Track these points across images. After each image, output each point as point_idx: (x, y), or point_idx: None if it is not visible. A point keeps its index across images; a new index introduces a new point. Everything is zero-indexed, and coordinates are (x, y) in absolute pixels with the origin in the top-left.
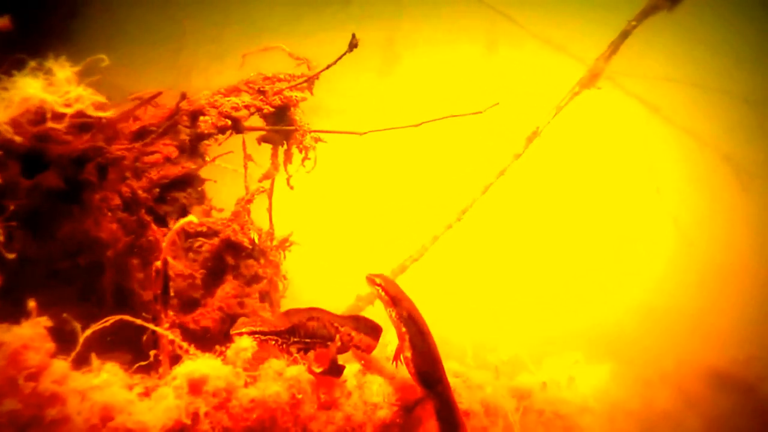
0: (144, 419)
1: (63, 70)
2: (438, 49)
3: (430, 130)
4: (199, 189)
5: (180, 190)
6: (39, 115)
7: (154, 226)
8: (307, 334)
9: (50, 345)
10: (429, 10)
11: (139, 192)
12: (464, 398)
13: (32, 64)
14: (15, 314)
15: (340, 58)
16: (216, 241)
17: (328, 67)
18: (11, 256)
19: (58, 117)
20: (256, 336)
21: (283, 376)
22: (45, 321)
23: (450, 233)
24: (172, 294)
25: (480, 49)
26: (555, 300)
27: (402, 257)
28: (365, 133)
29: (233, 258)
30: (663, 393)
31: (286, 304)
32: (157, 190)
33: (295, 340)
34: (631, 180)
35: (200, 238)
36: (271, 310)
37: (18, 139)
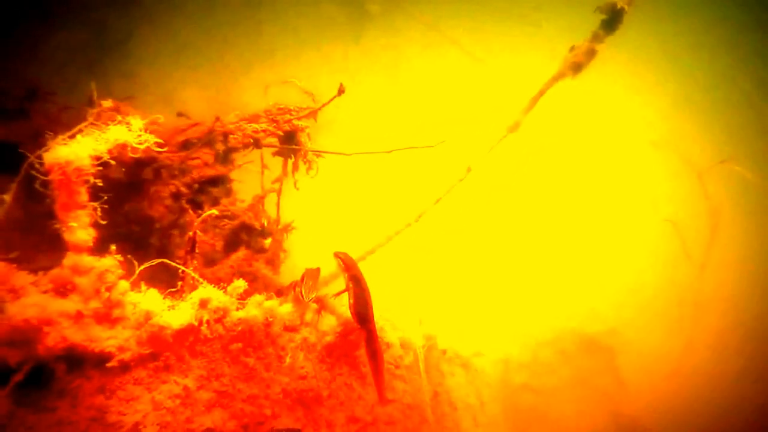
0: (170, 321)
1: (136, 121)
2: (433, 74)
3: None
4: (228, 186)
5: (214, 186)
6: (123, 149)
7: (190, 211)
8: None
9: (121, 271)
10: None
11: (182, 188)
12: (388, 334)
13: (119, 117)
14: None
15: (331, 100)
16: (236, 222)
17: (323, 105)
18: (102, 222)
19: (134, 150)
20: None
21: (262, 306)
22: (118, 257)
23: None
24: (196, 251)
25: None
26: (478, 276)
27: (373, 242)
28: (351, 154)
29: (247, 235)
30: (548, 351)
31: (284, 269)
32: (197, 185)
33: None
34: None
35: (225, 219)
36: (272, 270)
37: (112, 162)
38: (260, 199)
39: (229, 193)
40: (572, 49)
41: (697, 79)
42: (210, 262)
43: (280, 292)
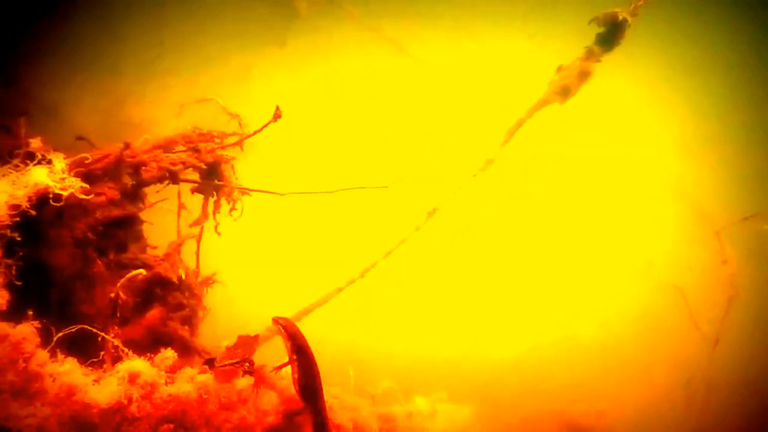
0: (96, 397)
1: (59, 162)
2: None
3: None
4: (137, 228)
5: (120, 228)
6: (44, 195)
7: (99, 262)
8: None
9: (38, 339)
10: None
11: (89, 234)
12: (338, 415)
13: (39, 156)
14: None
15: (265, 126)
16: (149, 274)
17: (254, 133)
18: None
19: (57, 198)
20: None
21: (195, 380)
22: (36, 324)
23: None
24: (118, 315)
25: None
26: (438, 339)
27: (310, 300)
28: (285, 194)
29: (161, 290)
30: None
31: (203, 328)
32: (101, 228)
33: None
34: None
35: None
36: (190, 331)
37: (32, 212)
38: (177, 247)
39: (138, 237)
40: (560, 69)
41: (715, 114)
42: (121, 320)
43: (210, 362)
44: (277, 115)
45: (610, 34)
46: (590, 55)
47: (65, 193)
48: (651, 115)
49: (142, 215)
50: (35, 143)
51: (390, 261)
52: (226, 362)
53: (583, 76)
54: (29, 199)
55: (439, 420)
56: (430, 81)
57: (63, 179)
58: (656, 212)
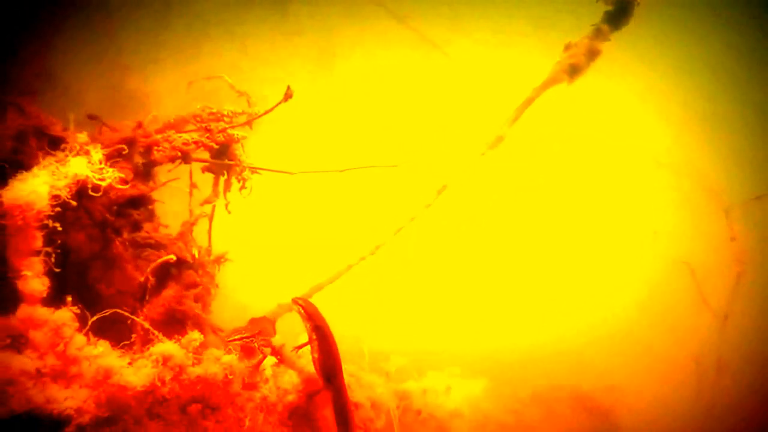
0: (131, 379)
1: (97, 153)
2: (367, 58)
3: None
4: (150, 207)
5: (133, 207)
6: (83, 185)
7: (117, 242)
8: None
9: (76, 324)
10: (360, 22)
11: (106, 214)
12: (356, 393)
13: (77, 146)
14: None
15: (275, 106)
16: (163, 253)
17: (265, 113)
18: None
19: (96, 188)
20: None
21: (220, 361)
22: (74, 309)
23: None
24: (147, 298)
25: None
26: (450, 318)
27: (321, 278)
28: (296, 173)
29: (176, 268)
30: (533, 411)
31: (215, 305)
32: (115, 207)
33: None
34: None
35: (149, 249)
36: (203, 309)
37: (73, 203)
38: (190, 226)
39: (151, 216)
40: (568, 47)
41: (723, 96)
42: (143, 300)
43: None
44: (288, 95)
45: (619, 13)
46: (598, 34)
47: (104, 184)
48: (655, 94)
49: (153, 194)
50: (82, 138)
51: (401, 241)
52: (236, 337)
53: (592, 54)
54: (69, 189)
55: (453, 396)
56: (434, 61)
57: (101, 170)
58: (663, 190)
